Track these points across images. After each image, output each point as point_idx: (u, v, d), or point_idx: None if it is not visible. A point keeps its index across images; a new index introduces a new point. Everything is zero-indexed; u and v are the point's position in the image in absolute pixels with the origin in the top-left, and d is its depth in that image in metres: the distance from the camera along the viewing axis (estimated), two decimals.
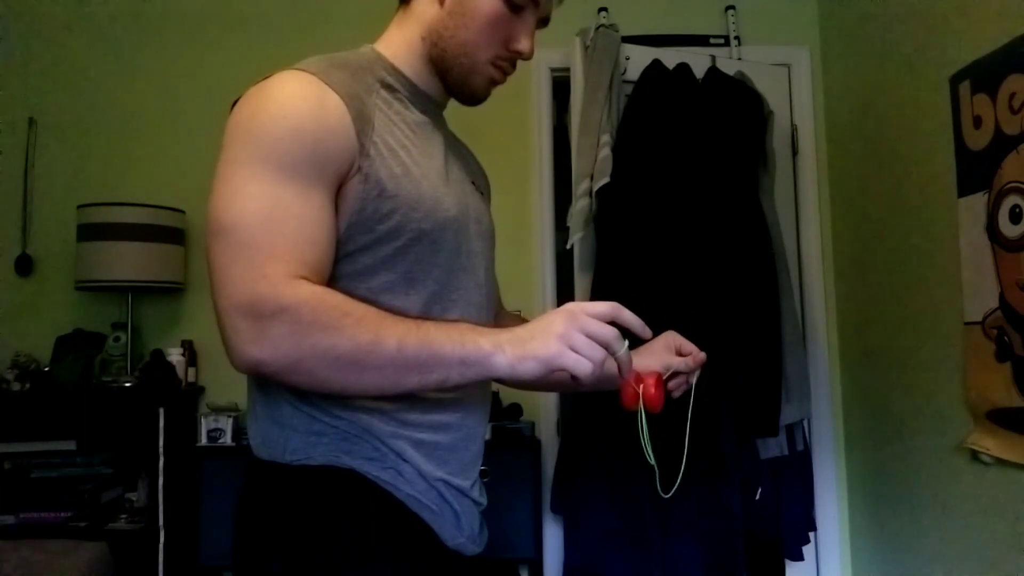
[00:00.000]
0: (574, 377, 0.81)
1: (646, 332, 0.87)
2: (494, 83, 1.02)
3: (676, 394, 1.06)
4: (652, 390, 0.88)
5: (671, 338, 1.09)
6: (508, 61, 1.01)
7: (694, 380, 1.06)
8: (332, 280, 0.87)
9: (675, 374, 1.03)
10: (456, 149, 1.08)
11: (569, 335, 0.81)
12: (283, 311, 0.78)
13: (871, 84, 2.45)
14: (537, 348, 0.81)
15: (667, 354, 1.07)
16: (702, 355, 1.06)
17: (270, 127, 0.84)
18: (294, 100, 0.85)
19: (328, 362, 0.79)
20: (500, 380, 0.86)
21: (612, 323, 0.84)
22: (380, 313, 0.83)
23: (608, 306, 0.84)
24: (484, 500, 1.02)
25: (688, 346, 1.07)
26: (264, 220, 0.81)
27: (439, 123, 1.05)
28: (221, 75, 2.79)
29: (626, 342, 0.84)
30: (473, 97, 1.03)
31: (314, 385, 0.82)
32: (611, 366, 0.84)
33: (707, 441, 2.02)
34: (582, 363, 0.80)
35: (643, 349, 1.08)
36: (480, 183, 1.13)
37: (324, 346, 0.79)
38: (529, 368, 0.81)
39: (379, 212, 0.88)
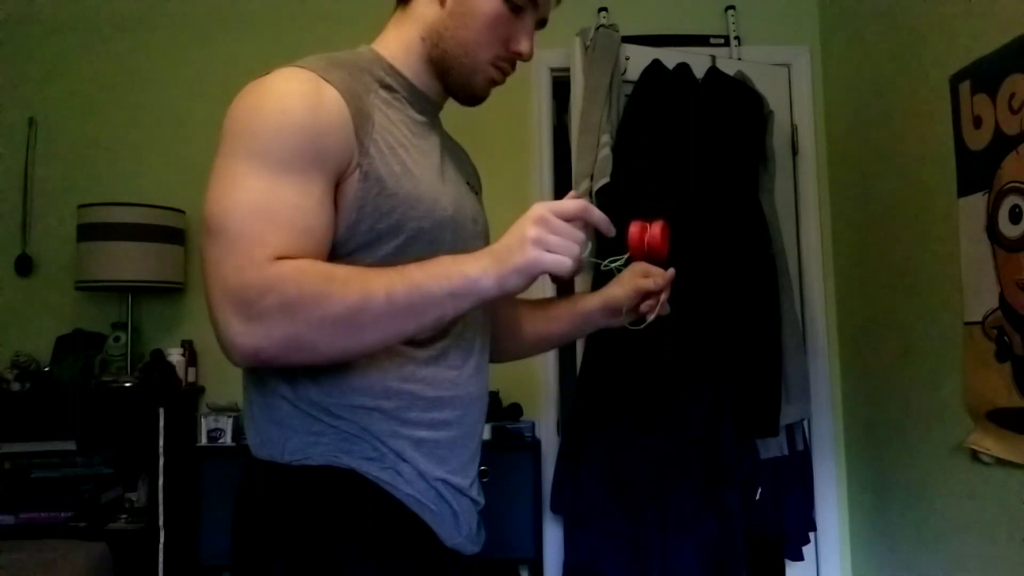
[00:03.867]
0: (556, 278, 0.83)
1: (611, 230, 0.88)
2: (494, 83, 1.03)
3: (651, 317, 1.10)
4: (658, 237, 0.92)
5: (638, 266, 1.12)
6: (508, 62, 1.02)
7: (665, 298, 1.11)
8: None
9: (648, 294, 1.09)
10: (451, 149, 1.08)
11: (542, 238, 0.81)
12: (268, 292, 0.78)
13: (871, 84, 2.45)
14: (516, 260, 0.81)
15: (637, 278, 1.11)
16: (670, 272, 1.09)
17: (268, 122, 0.84)
18: (292, 96, 0.85)
19: (325, 331, 0.80)
20: (494, 299, 0.86)
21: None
22: (363, 270, 0.83)
23: (576, 203, 0.85)
24: (482, 499, 1.02)
25: (655, 269, 1.11)
26: (257, 212, 0.81)
27: (436, 123, 1.05)
28: (221, 75, 2.78)
29: (589, 244, 0.86)
30: (473, 97, 1.04)
31: (318, 357, 0.83)
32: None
33: (707, 441, 2.02)
34: (561, 261, 0.81)
35: (612, 281, 1.13)
36: (474, 183, 1.14)
37: (316, 316, 0.79)
38: (515, 282, 0.82)
39: (379, 210, 0.88)
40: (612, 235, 0.89)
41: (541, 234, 0.81)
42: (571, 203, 0.84)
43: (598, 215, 0.86)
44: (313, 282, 0.79)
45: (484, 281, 0.81)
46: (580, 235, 0.83)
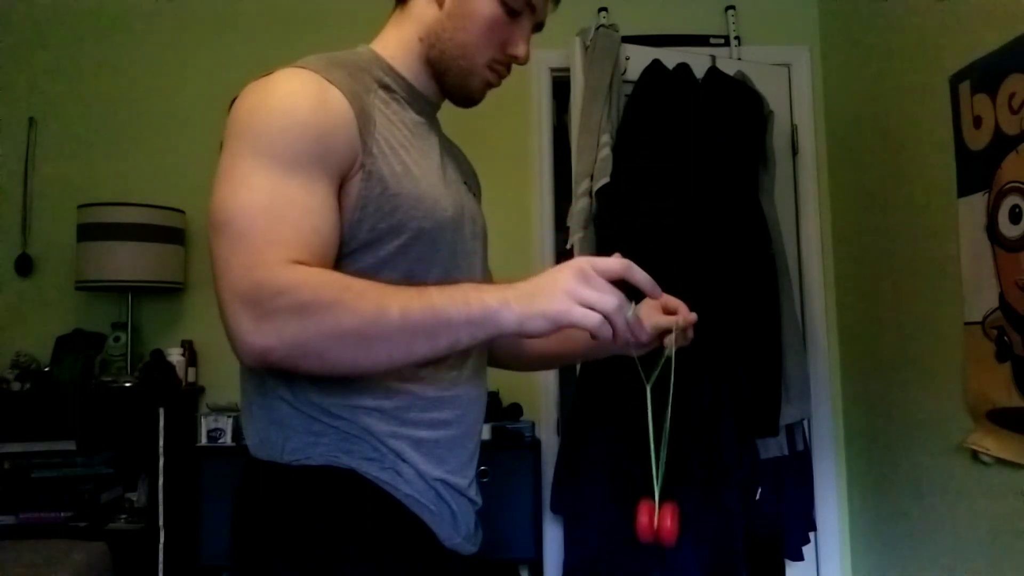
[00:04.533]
0: (592, 335, 0.79)
1: (656, 292, 0.85)
2: (489, 86, 1.03)
3: (669, 351, 1.03)
4: (668, 522, 0.87)
5: (655, 301, 1.06)
6: (504, 65, 1.02)
7: (689, 335, 1.05)
8: None
9: (668, 332, 1.02)
10: (449, 150, 1.08)
11: (576, 290, 0.78)
12: (281, 293, 0.77)
13: (871, 84, 2.45)
14: (544, 304, 0.79)
15: (655, 314, 1.06)
16: (692, 316, 1.05)
17: (272, 122, 0.84)
18: (296, 96, 0.85)
19: (335, 340, 0.78)
20: (510, 336, 0.83)
21: (622, 281, 0.82)
22: (380, 284, 0.81)
23: (619, 263, 0.82)
24: (480, 500, 1.02)
25: (673, 302, 1.05)
26: (264, 210, 0.81)
27: (434, 124, 1.05)
28: (220, 75, 2.79)
29: (633, 304, 0.82)
30: (469, 99, 1.04)
31: (326, 367, 0.81)
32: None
33: (707, 441, 2.02)
34: (590, 316, 0.78)
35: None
36: (472, 183, 1.14)
37: (328, 323, 0.77)
38: (537, 325, 0.79)
39: (381, 210, 0.88)
40: (658, 297, 0.86)
41: (576, 286, 0.78)
42: (614, 261, 0.82)
43: (641, 275, 0.83)
44: (328, 289, 0.78)
45: (504, 314, 0.79)
46: (619, 294, 0.79)
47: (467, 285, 0.83)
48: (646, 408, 0.93)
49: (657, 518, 0.87)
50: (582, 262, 0.81)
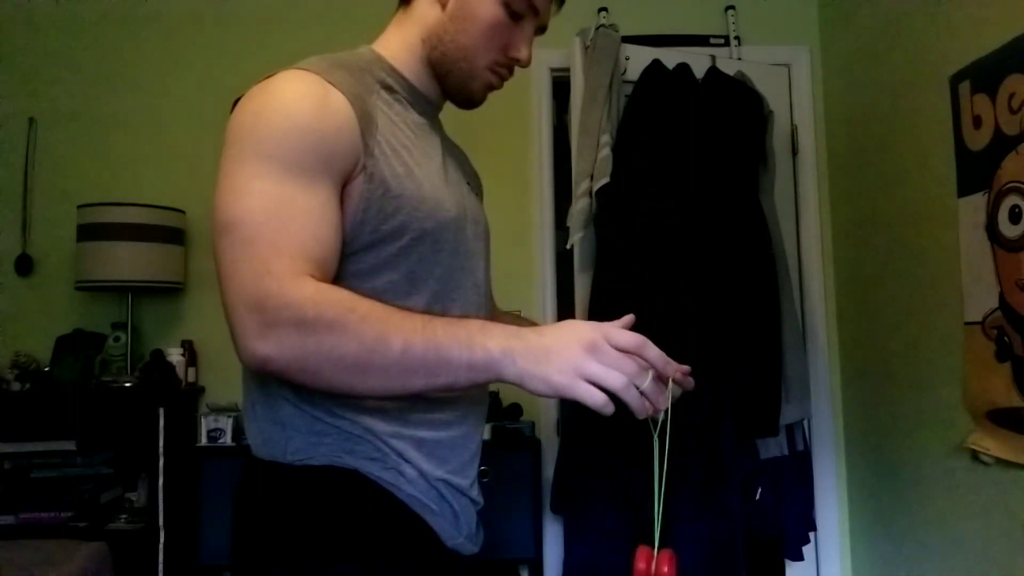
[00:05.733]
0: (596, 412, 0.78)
1: (668, 370, 0.83)
2: (491, 88, 1.03)
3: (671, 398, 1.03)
4: (665, 569, 0.87)
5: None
6: (506, 67, 1.02)
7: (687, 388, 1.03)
8: (336, 279, 0.87)
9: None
10: (451, 151, 1.08)
11: (583, 366, 0.78)
12: (287, 307, 0.77)
13: (871, 84, 2.45)
14: (548, 371, 0.78)
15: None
16: (685, 367, 1.03)
17: (275, 125, 0.84)
18: (299, 98, 0.85)
19: (333, 361, 0.78)
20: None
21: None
22: (386, 309, 0.81)
23: (634, 339, 0.80)
24: (481, 500, 1.02)
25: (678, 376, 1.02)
26: (269, 216, 0.81)
27: (436, 125, 1.06)
28: (221, 75, 2.79)
29: (650, 373, 0.80)
30: (470, 101, 1.04)
31: (321, 385, 0.81)
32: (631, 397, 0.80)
33: (707, 441, 2.02)
34: (594, 395, 0.78)
35: None
36: (474, 184, 1.14)
37: (329, 344, 0.77)
38: (537, 387, 0.79)
39: (384, 211, 0.88)
40: (669, 376, 0.84)
41: (584, 362, 0.78)
42: (629, 337, 0.80)
43: (655, 354, 0.81)
44: (333, 310, 0.78)
45: (506, 364, 0.79)
46: (630, 368, 0.78)
47: (475, 324, 0.82)
48: (651, 452, 0.92)
49: (655, 564, 0.88)
50: (596, 334, 0.80)
